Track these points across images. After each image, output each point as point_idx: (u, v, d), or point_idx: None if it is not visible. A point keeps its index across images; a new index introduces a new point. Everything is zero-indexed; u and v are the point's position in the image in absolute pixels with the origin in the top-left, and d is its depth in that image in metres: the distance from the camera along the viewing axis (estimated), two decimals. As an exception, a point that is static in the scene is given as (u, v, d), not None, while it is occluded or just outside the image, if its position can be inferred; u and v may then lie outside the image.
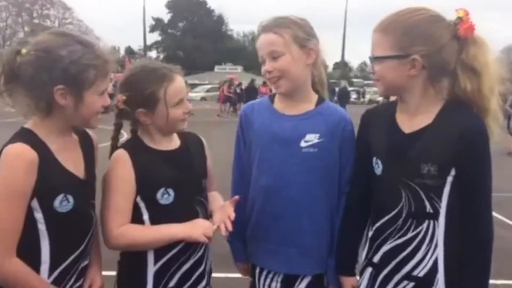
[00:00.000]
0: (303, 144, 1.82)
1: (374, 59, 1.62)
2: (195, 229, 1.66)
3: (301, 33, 1.79)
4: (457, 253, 1.59)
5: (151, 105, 1.68)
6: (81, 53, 1.47)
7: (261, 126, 1.88)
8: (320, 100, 1.91)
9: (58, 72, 1.44)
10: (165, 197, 1.68)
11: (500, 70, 1.58)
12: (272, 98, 1.96)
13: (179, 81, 1.72)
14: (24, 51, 1.46)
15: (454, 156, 1.54)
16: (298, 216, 1.83)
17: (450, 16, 1.58)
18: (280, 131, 1.84)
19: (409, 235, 1.62)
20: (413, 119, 1.63)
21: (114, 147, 1.76)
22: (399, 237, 1.63)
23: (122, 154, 1.69)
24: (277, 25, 1.79)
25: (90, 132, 1.72)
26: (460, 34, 1.55)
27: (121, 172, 1.66)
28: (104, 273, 1.75)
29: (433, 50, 1.53)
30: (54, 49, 1.45)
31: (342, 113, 1.92)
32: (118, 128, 1.78)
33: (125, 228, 1.64)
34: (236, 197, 1.79)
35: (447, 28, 1.55)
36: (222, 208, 1.78)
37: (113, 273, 1.76)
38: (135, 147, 1.72)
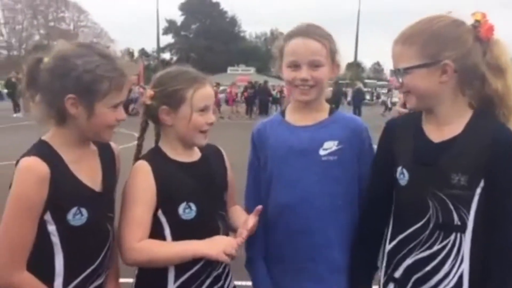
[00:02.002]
0: (322, 152, 1.78)
1: (402, 71, 1.57)
2: (215, 246, 1.60)
3: (333, 47, 1.78)
4: (481, 269, 1.55)
5: (176, 103, 1.65)
6: (97, 63, 1.47)
7: (277, 140, 1.84)
8: (332, 109, 1.89)
9: (71, 81, 1.45)
10: (187, 211, 1.64)
11: None
12: (283, 112, 1.92)
13: (209, 88, 1.71)
14: (46, 59, 1.49)
15: (484, 167, 1.51)
16: (324, 229, 1.78)
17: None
18: (297, 142, 1.80)
19: (435, 248, 1.58)
20: (441, 129, 1.60)
21: (139, 147, 1.76)
22: (425, 250, 1.59)
23: (143, 165, 1.64)
24: (319, 33, 1.76)
25: (112, 143, 1.69)
26: (482, 36, 1.55)
27: (142, 183, 1.61)
28: (121, 280, 1.73)
29: (462, 53, 1.52)
30: (70, 58, 1.46)
31: (358, 120, 1.90)
32: (144, 127, 1.77)
33: (144, 243, 1.58)
34: (259, 206, 1.73)
35: (469, 32, 1.55)
36: (245, 222, 1.73)
37: (130, 280, 1.72)
38: (157, 158, 1.68)
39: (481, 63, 1.55)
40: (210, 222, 1.69)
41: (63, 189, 1.45)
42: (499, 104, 1.58)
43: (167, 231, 1.64)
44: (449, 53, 1.52)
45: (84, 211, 1.49)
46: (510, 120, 1.58)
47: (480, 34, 1.55)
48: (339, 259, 1.80)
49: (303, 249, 1.80)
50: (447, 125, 1.59)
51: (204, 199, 1.67)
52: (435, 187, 1.56)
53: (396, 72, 1.61)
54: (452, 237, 1.56)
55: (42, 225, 1.44)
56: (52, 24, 61.30)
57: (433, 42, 1.53)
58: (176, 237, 1.64)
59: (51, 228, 1.46)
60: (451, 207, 1.55)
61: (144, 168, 1.63)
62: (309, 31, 1.77)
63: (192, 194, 1.65)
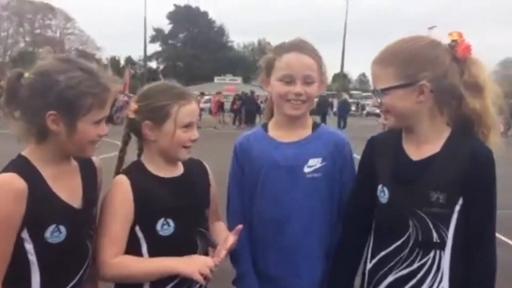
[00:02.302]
0: (306, 169, 1.79)
1: (380, 92, 1.59)
2: (191, 265, 1.59)
3: (323, 65, 1.81)
4: (461, 284, 1.57)
5: (160, 119, 1.65)
6: (80, 79, 1.44)
7: (260, 156, 1.84)
8: (315, 125, 1.90)
9: (52, 97, 1.41)
10: (164, 227, 1.63)
11: (495, 86, 1.61)
12: (265, 127, 1.92)
13: (194, 105, 1.71)
14: (26, 74, 1.45)
15: (462, 185, 1.53)
16: (308, 245, 1.79)
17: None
18: (282, 159, 1.80)
19: (415, 265, 1.59)
20: (421, 147, 1.62)
21: (121, 160, 1.75)
22: (405, 268, 1.60)
23: (122, 180, 1.63)
24: (311, 50, 1.79)
25: (94, 159, 1.66)
26: (459, 56, 1.57)
27: (120, 198, 1.61)
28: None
29: (439, 74, 1.55)
30: (52, 74, 1.43)
31: (340, 135, 1.91)
32: (125, 140, 1.76)
33: (120, 259, 1.58)
34: (239, 226, 1.72)
35: (446, 52, 1.57)
36: (222, 241, 1.71)
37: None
38: (137, 173, 1.68)
39: (458, 82, 1.57)
40: (188, 239, 1.68)
41: (41, 206, 1.42)
42: (478, 123, 1.59)
43: (144, 247, 1.63)
44: (426, 74, 1.54)
45: (62, 228, 1.46)
46: (489, 139, 1.60)
47: (457, 53, 1.57)
48: (323, 273, 1.81)
49: (286, 265, 1.80)
50: (426, 144, 1.61)
51: (183, 215, 1.66)
52: (415, 206, 1.58)
53: (375, 92, 1.63)
54: (432, 254, 1.58)
55: (19, 243, 1.41)
56: (38, 31, 60.90)
57: (410, 63, 1.55)
58: (153, 253, 1.63)
59: (28, 246, 1.42)
60: (431, 225, 1.57)
61: (122, 183, 1.63)
62: (303, 47, 1.78)
63: (171, 210, 1.64)
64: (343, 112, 25.03)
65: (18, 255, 1.41)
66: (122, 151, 1.76)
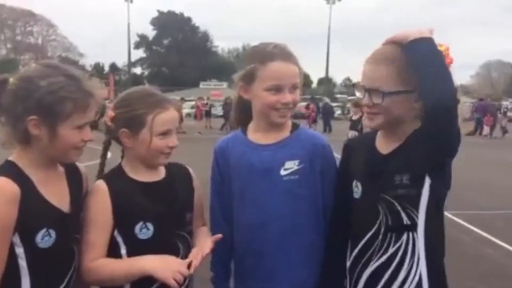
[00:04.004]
0: (283, 172, 1.78)
1: (382, 94, 1.57)
2: (165, 269, 1.56)
3: (301, 70, 1.80)
4: (438, 266, 1.60)
5: (136, 127, 1.64)
6: (61, 84, 1.46)
7: (238, 160, 1.83)
8: (295, 126, 1.88)
9: (32, 102, 1.42)
10: (143, 231, 1.63)
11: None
12: (244, 130, 1.91)
13: (172, 112, 1.69)
14: (11, 80, 1.46)
15: (427, 163, 1.55)
16: (286, 249, 1.78)
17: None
18: (258, 162, 1.79)
19: (390, 250, 1.61)
20: (391, 142, 1.66)
21: (101, 165, 1.75)
22: (381, 255, 1.62)
23: (100, 186, 1.65)
24: (294, 56, 1.78)
25: (79, 165, 1.67)
26: None
27: (98, 204, 1.62)
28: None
29: None
30: (33, 79, 1.45)
31: (319, 137, 1.90)
32: (105, 146, 1.76)
33: (97, 262, 1.59)
34: (219, 235, 1.72)
35: None
36: (200, 246, 1.70)
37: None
38: (116, 178, 1.69)
39: None
40: (169, 242, 1.67)
41: (32, 210, 1.42)
42: None
43: (124, 250, 1.63)
44: None
45: (52, 232, 1.46)
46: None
47: None
48: (301, 277, 1.80)
49: (263, 269, 1.79)
50: (396, 139, 1.64)
51: (163, 219, 1.66)
52: (382, 192, 1.61)
53: (371, 91, 1.61)
54: (404, 237, 1.59)
55: (9, 247, 1.40)
56: (19, 38, 60.25)
57: (411, 70, 1.53)
58: (133, 256, 1.62)
59: (19, 250, 1.42)
60: (399, 207, 1.59)
61: (100, 189, 1.64)
62: (287, 54, 1.77)
63: (150, 214, 1.64)
64: (327, 115, 25.22)
65: (9, 260, 1.41)
66: (103, 157, 1.76)
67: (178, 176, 1.79)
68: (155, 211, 1.65)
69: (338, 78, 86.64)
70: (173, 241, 1.68)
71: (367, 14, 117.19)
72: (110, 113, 1.69)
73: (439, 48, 1.58)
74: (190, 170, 1.87)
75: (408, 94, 1.56)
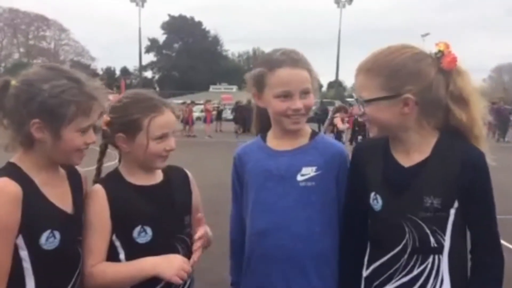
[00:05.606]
0: (299, 178, 1.76)
1: (364, 102, 1.58)
2: (168, 268, 1.57)
3: (313, 72, 1.78)
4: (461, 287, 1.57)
5: (132, 132, 1.63)
6: (64, 88, 1.44)
7: (255, 166, 1.82)
8: (313, 133, 1.87)
9: (35, 106, 1.42)
10: (142, 235, 1.62)
11: (481, 97, 1.60)
12: (264, 137, 1.90)
13: (168, 116, 1.68)
14: (13, 82, 1.45)
15: (457, 189, 1.53)
16: (301, 256, 1.75)
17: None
18: (275, 167, 1.78)
19: (415, 272, 1.58)
20: (410, 153, 1.61)
21: (98, 169, 1.74)
22: (405, 275, 1.59)
23: (97, 190, 1.64)
24: (304, 61, 1.76)
25: (78, 169, 1.66)
26: (444, 67, 1.56)
27: (95, 209, 1.62)
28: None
29: (424, 86, 1.53)
30: (36, 82, 1.44)
31: (338, 146, 1.89)
32: (102, 150, 1.76)
33: (98, 267, 1.59)
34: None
35: (431, 64, 1.56)
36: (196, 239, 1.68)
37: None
38: (113, 182, 1.68)
39: (444, 94, 1.56)
40: (168, 246, 1.66)
41: (36, 211, 1.41)
42: (466, 134, 1.58)
43: (122, 254, 1.63)
44: (410, 88, 1.52)
45: (57, 234, 1.45)
46: (480, 147, 1.58)
47: (442, 65, 1.55)
48: (316, 285, 1.76)
49: (277, 277, 1.77)
50: (415, 150, 1.60)
51: (161, 223, 1.65)
52: (409, 212, 1.57)
53: (358, 101, 1.62)
54: (430, 259, 1.57)
55: (13, 250, 1.39)
56: (32, 42, 60.90)
57: (394, 76, 1.53)
58: (132, 260, 1.62)
59: (23, 253, 1.41)
60: (427, 230, 1.56)
61: (98, 193, 1.64)
62: (296, 60, 1.75)
63: (148, 218, 1.64)
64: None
65: (13, 263, 1.39)
66: (99, 161, 1.76)
67: (176, 179, 1.79)
68: (153, 215, 1.64)
69: (348, 81, 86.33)
70: (172, 244, 1.67)
71: (377, 17, 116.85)
72: (105, 117, 1.66)
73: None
74: (188, 173, 1.87)
75: (390, 99, 1.54)
